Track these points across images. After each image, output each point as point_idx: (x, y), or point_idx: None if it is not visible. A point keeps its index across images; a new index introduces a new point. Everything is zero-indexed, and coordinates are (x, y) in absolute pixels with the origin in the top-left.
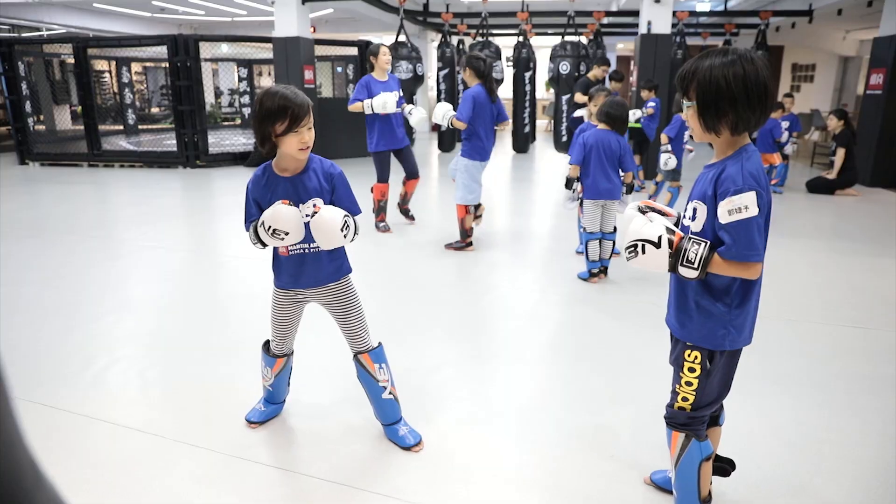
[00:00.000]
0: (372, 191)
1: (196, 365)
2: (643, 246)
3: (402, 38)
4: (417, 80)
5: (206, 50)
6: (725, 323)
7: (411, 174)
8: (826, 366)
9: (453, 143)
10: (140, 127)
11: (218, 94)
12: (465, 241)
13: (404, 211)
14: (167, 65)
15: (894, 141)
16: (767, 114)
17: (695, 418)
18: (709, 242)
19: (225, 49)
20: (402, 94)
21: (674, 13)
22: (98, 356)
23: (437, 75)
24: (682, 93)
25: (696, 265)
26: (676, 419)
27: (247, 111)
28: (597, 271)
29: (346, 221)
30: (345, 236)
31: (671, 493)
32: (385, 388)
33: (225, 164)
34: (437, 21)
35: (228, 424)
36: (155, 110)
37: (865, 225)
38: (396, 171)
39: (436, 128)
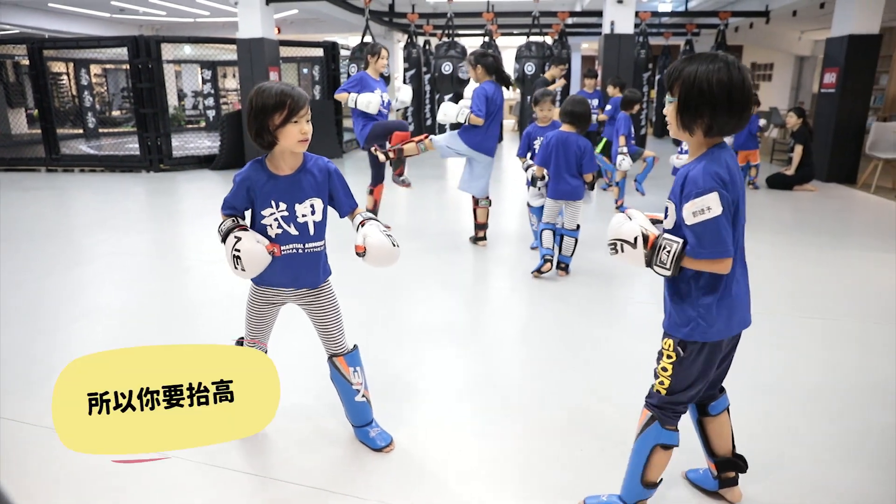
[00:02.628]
0: (372, 193)
1: None
2: (621, 245)
3: (367, 38)
4: (384, 80)
5: (168, 51)
6: (694, 313)
7: (398, 128)
8: (787, 354)
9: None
10: (101, 130)
11: (181, 96)
12: (478, 234)
13: (397, 174)
14: (128, 67)
15: (848, 138)
16: (745, 121)
17: (668, 403)
18: (682, 242)
19: (188, 51)
20: (388, 98)
21: (636, 13)
22: (62, 366)
23: (404, 76)
24: (668, 88)
25: (668, 265)
26: (651, 399)
27: (211, 114)
28: (549, 257)
29: (387, 234)
30: (394, 245)
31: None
32: (358, 390)
33: (190, 168)
34: (402, 22)
35: None
36: (116, 113)
37: (823, 219)
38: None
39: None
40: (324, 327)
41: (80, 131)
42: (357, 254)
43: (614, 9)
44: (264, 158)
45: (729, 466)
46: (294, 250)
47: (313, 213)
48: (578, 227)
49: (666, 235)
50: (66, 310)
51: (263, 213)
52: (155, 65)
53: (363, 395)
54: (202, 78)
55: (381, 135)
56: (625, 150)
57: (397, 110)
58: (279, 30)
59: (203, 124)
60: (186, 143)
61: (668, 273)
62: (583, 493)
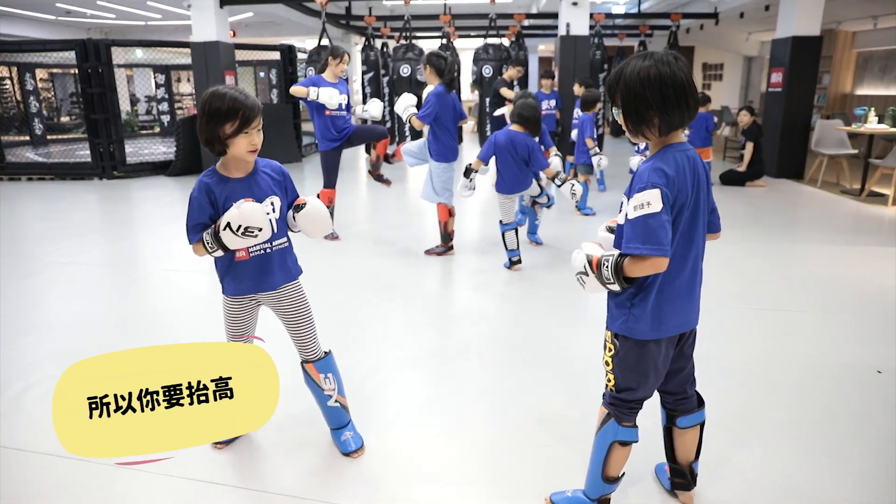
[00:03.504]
0: (318, 197)
1: None
2: (580, 277)
3: (324, 41)
4: (345, 82)
5: (118, 55)
6: (624, 308)
7: (379, 137)
8: (738, 345)
9: (401, 139)
10: (49, 137)
11: (134, 101)
12: (445, 244)
13: (377, 176)
14: (76, 71)
15: (794, 135)
16: (691, 112)
17: (620, 401)
18: (616, 253)
19: (140, 54)
20: (349, 98)
21: (591, 15)
22: (13, 381)
23: (362, 79)
24: (611, 100)
25: (612, 279)
26: (605, 396)
27: (166, 119)
28: (517, 259)
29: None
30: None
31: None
32: (331, 396)
33: (145, 175)
34: (360, 25)
35: None
36: (65, 119)
37: (774, 213)
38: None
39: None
40: (296, 330)
41: (27, 138)
42: (296, 205)
43: (569, 11)
44: (215, 167)
45: (681, 475)
46: (262, 251)
47: (273, 210)
48: (542, 188)
49: (605, 253)
50: (17, 322)
51: None
52: (105, 69)
53: (336, 401)
54: (155, 82)
55: (362, 141)
56: (597, 150)
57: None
58: (234, 33)
59: (157, 130)
60: (140, 150)
61: (617, 287)
62: (550, 490)
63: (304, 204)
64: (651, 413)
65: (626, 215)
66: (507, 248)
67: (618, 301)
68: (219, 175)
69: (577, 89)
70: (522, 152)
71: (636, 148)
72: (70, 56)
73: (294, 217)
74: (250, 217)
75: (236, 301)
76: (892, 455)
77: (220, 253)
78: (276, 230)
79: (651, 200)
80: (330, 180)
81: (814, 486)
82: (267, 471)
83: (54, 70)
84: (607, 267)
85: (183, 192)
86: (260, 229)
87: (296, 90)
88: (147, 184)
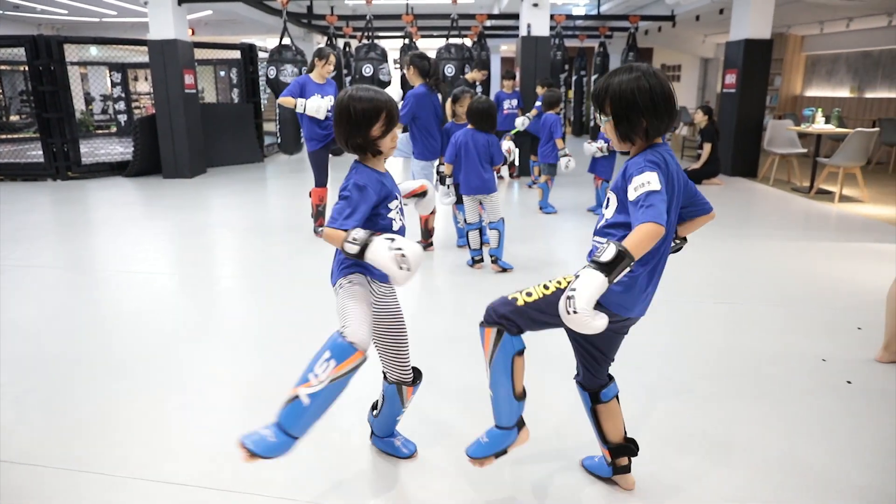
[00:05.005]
0: (310, 195)
1: (84, 384)
2: (571, 303)
3: (286, 40)
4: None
5: (72, 52)
6: None
7: None
8: (694, 336)
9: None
10: None
11: (89, 100)
12: (426, 241)
13: None
14: (25, 68)
15: (748, 134)
16: (673, 119)
17: (517, 315)
18: (615, 250)
19: (94, 52)
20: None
21: (552, 16)
22: None
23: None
24: (598, 109)
25: (621, 267)
26: (502, 307)
27: (123, 118)
28: (479, 258)
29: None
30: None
31: (601, 477)
32: (403, 411)
33: (101, 175)
34: (321, 24)
35: (125, 444)
36: (14, 118)
37: (729, 210)
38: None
39: None
40: (394, 334)
41: None
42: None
43: (530, 12)
44: (358, 160)
45: (622, 451)
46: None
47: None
48: (502, 219)
49: (603, 260)
50: None
51: (390, 206)
52: (58, 66)
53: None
54: (111, 81)
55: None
56: (566, 151)
57: None
58: (193, 31)
59: (114, 129)
60: (97, 150)
61: (631, 267)
62: (519, 483)
63: (426, 191)
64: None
65: (629, 200)
66: (469, 248)
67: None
68: (371, 169)
69: (540, 90)
70: (483, 150)
71: (599, 134)
72: (19, 52)
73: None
74: (416, 261)
75: (361, 280)
76: (838, 436)
77: (351, 251)
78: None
79: (650, 180)
80: (320, 179)
81: (764, 464)
82: (265, 476)
83: (2, 67)
84: (619, 264)
85: (141, 193)
86: (409, 270)
87: (284, 101)
88: (104, 185)
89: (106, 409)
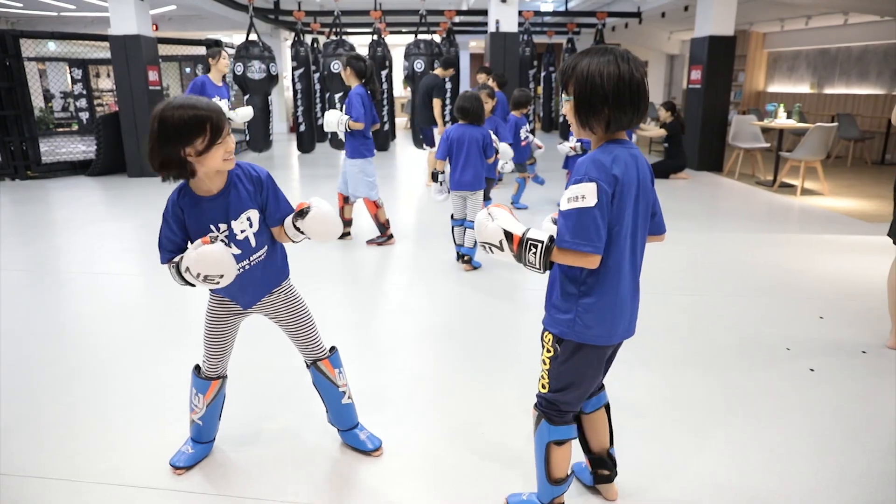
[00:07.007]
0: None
1: (48, 389)
2: (489, 246)
3: (252, 36)
4: (272, 80)
5: (28, 48)
6: (573, 311)
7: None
8: (663, 329)
9: (313, 144)
10: None
11: (48, 97)
12: (385, 234)
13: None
14: None
15: (713, 129)
16: (640, 114)
17: (551, 404)
18: (547, 238)
19: (52, 47)
20: (229, 103)
21: (520, 12)
22: None
23: (293, 75)
24: (562, 87)
25: (536, 265)
26: (537, 398)
27: (84, 116)
28: (463, 254)
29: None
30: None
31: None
32: (344, 392)
33: (63, 175)
34: (289, 20)
35: (90, 449)
36: None
37: (696, 204)
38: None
39: (294, 129)
40: (297, 332)
41: None
42: (299, 210)
43: (498, 8)
44: (187, 183)
45: (602, 465)
46: (242, 269)
47: (251, 225)
48: None
49: (531, 233)
50: None
51: (214, 230)
52: (14, 62)
53: (349, 398)
54: (72, 77)
55: None
56: (510, 154)
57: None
58: (156, 27)
59: (76, 127)
60: (57, 148)
61: (540, 271)
62: (494, 482)
63: (308, 208)
64: None
65: (560, 206)
66: (455, 243)
67: (563, 301)
68: (192, 194)
69: (484, 79)
70: (476, 144)
71: (570, 133)
72: None
73: (296, 224)
74: (207, 264)
75: (220, 304)
76: (803, 421)
77: (189, 286)
78: (254, 245)
79: (586, 194)
80: None
81: (735, 454)
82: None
83: None
84: (534, 253)
85: (105, 192)
86: (221, 275)
87: None
88: (66, 184)
89: (69, 413)
